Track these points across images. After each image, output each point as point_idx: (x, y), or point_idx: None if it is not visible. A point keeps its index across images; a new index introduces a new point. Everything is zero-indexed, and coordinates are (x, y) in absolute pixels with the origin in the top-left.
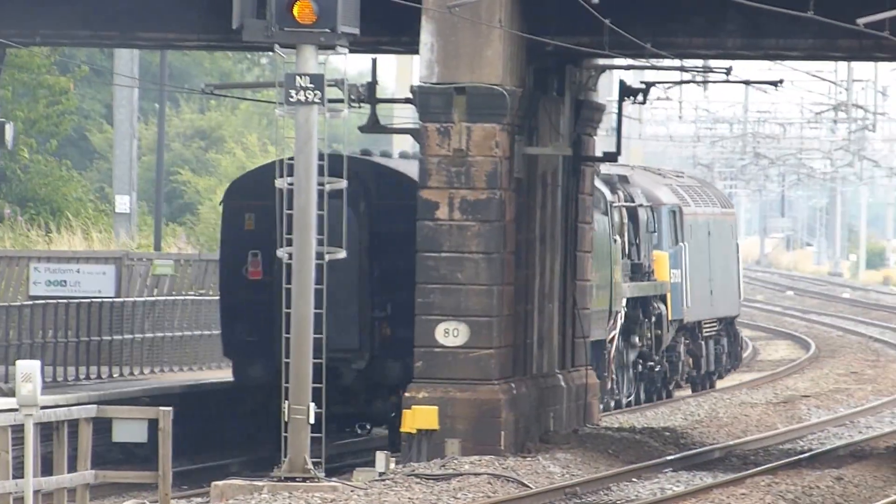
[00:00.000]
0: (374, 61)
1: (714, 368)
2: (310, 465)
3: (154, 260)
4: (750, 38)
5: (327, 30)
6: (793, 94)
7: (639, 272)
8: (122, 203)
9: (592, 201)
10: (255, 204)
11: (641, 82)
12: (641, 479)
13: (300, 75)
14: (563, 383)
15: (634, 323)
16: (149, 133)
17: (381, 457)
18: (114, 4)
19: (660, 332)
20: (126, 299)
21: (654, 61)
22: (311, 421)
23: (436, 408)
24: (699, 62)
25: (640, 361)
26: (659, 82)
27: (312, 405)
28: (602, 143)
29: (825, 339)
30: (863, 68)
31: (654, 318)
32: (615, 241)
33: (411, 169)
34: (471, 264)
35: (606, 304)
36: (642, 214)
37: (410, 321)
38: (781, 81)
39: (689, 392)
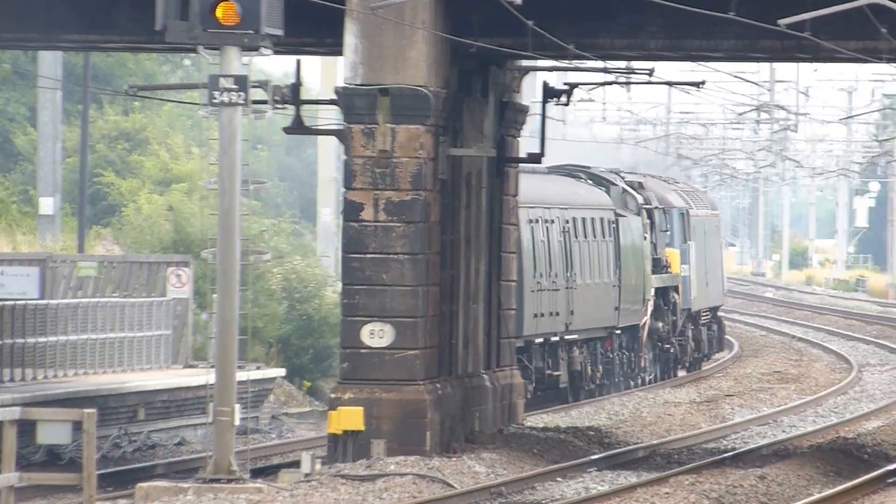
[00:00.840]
0: (299, 62)
1: (707, 351)
2: (235, 467)
3: (78, 262)
4: (672, 39)
5: (251, 31)
6: (715, 95)
7: (658, 266)
8: (46, 205)
9: (625, 203)
10: None
11: (565, 83)
12: (566, 479)
13: (224, 76)
14: (488, 383)
15: (657, 310)
16: (73, 135)
17: (306, 458)
18: (37, 6)
19: (675, 318)
20: (50, 301)
21: (577, 62)
22: (237, 423)
23: (361, 409)
24: (622, 63)
25: (660, 344)
26: (582, 83)
27: (238, 406)
28: (526, 144)
29: (748, 338)
30: (785, 69)
31: (671, 307)
32: (645, 238)
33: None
34: (396, 265)
35: (641, 293)
36: (657, 216)
37: None
38: (704, 82)
39: (684, 373)
